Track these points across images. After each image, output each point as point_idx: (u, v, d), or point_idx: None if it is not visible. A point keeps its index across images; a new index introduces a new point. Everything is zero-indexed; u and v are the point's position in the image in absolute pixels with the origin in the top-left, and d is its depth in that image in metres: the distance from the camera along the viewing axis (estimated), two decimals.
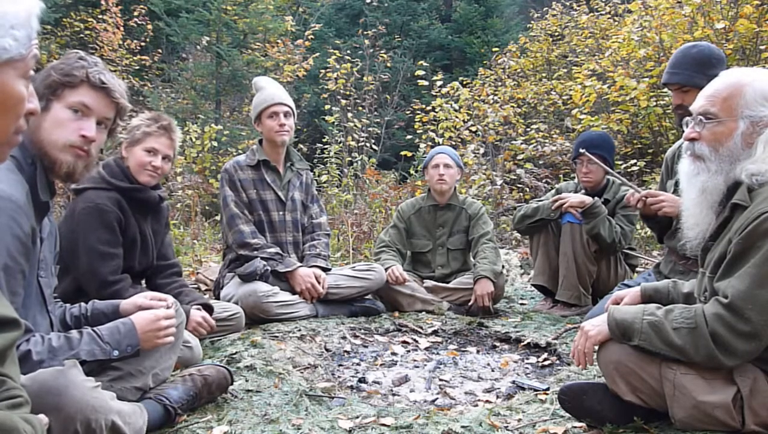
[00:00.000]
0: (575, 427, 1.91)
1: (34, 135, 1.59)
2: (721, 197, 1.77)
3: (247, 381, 2.33)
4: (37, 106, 1.05)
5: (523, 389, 2.44)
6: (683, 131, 2.89)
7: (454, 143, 7.17)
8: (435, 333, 3.29)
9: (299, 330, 3.03)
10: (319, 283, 3.32)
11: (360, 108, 8.73)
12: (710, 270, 1.76)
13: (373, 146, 8.48)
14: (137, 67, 10.05)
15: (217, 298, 3.35)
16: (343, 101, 8.58)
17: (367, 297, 3.54)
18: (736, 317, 1.62)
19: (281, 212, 3.47)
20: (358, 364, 2.82)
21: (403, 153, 8.33)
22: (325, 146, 8.14)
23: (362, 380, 2.57)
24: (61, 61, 1.70)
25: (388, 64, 9.88)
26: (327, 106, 8.50)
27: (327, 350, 2.94)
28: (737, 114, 1.72)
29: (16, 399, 1.15)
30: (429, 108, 7.75)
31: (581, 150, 3.51)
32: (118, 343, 1.71)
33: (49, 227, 1.67)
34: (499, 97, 7.56)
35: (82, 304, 1.93)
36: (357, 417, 2.02)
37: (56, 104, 1.63)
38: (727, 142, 1.73)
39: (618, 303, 2.07)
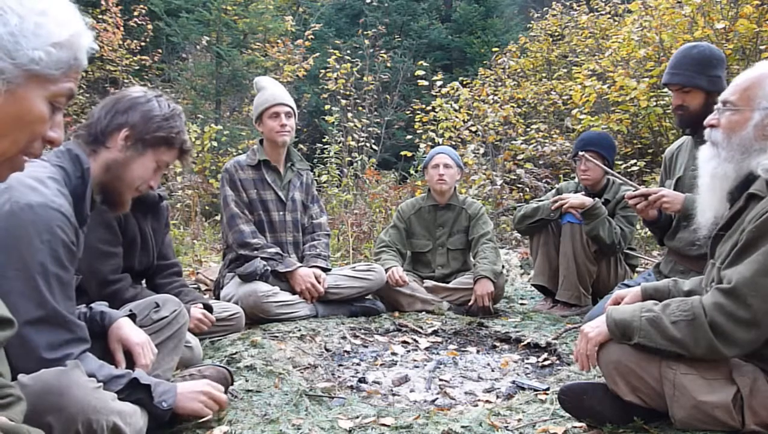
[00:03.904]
0: (575, 427, 1.91)
1: (118, 168, 1.74)
2: (732, 186, 1.77)
3: (247, 381, 2.33)
4: (60, 137, 1.04)
5: (523, 389, 2.44)
6: (683, 132, 2.92)
7: (454, 143, 7.17)
8: (435, 333, 3.29)
9: (299, 330, 3.03)
10: (319, 283, 3.33)
11: (360, 108, 8.73)
12: (721, 261, 1.76)
13: (373, 146, 8.48)
14: (137, 67, 10.04)
15: (217, 298, 3.35)
16: (343, 101, 8.58)
17: (367, 297, 3.54)
18: (737, 304, 1.62)
19: (281, 212, 3.47)
20: (358, 364, 2.82)
21: (403, 153, 8.33)
22: (325, 146, 8.14)
23: (362, 380, 2.57)
24: (169, 114, 1.84)
25: (388, 64, 9.87)
26: (327, 107, 8.49)
27: (327, 350, 2.94)
28: (754, 105, 1.73)
29: (7, 398, 1.15)
30: (429, 108, 7.75)
31: (580, 153, 3.52)
32: (159, 394, 1.70)
33: (81, 238, 1.69)
34: (499, 97, 7.56)
35: (81, 309, 1.92)
36: (357, 417, 2.02)
37: (150, 154, 1.79)
38: (740, 131, 1.74)
39: (618, 303, 2.08)
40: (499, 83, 8.26)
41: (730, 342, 1.64)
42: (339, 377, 2.64)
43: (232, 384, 2.17)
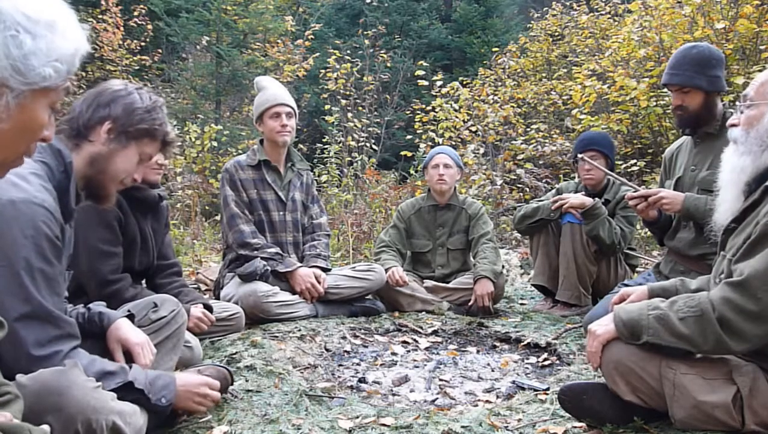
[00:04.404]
0: (575, 427, 1.91)
1: (102, 161, 1.71)
2: (750, 178, 1.77)
3: (247, 381, 2.33)
4: (52, 135, 1.12)
5: (523, 389, 2.44)
6: (683, 132, 2.92)
7: (454, 143, 7.17)
8: (435, 333, 3.29)
9: (299, 330, 3.03)
10: (319, 283, 3.33)
11: (360, 108, 8.73)
12: (732, 253, 1.75)
13: (373, 146, 8.48)
14: (137, 67, 10.04)
15: (217, 298, 3.35)
16: (343, 101, 8.58)
17: (367, 297, 3.54)
18: (746, 297, 1.61)
19: (281, 212, 3.47)
20: (358, 364, 2.82)
21: (403, 153, 8.33)
22: (325, 146, 8.14)
23: (362, 380, 2.57)
24: (151, 106, 1.80)
25: (388, 64, 9.87)
26: (327, 107, 8.49)
27: (327, 350, 2.94)
28: None
29: (6, 397, 1.16)
30: (429, 108, 7.75)
31: (579, 156, 3.53)
32: (157, 390, 1.70)
33: (68, 233, 1.68)
34: (499, 97, 7.56)
35: (80, 309, 1.92)
36: (357, 417, 2.02)
37: (134, 146, 1.77)
38: (758, 125, 1.76)
39: (623, 300, 2.07)
40: (499, 83, 8.26)
41: (738, 337, 1.63)
42: (339, 377, 2.64)
43: (232, 384, 2.17)
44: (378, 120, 9.31)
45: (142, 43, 10.06)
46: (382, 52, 9.65)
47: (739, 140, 1.80)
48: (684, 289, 2.00)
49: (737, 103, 1.87)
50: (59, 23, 1.05)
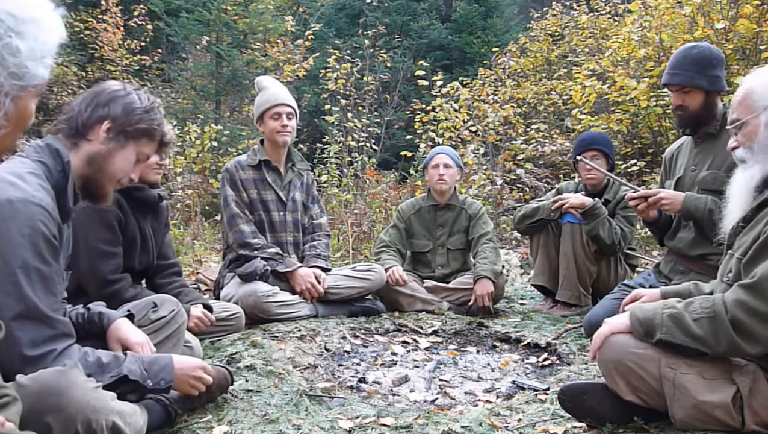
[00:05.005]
0: (575, 427, 1.91)
1: (100, 160, 1.71)
2: (759, 182, 1.79)
3: (247, 381, 2.33)
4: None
5: (523, 389, 2.44)
6: (683, 132, 2.92)
7: (454, 143, 7.16)
8: (435, 333, 3.29)
9: (299, 330, 3.03)
10: (319, 283, 3.33)
11: (360, 108, 8.73)
12: (741, 252, 1.76)
13: (373, 146, 8.48)
14: (137, 67, 10.05)
15: (217, 298, 3.35)
16: (343, 101, 8.57)
17: (367, 297, 3.54)
18: (759, 299, 1.61)
19: (282, 213, 3.47)
20: (358, 364, 2.82)
21: (403, 153, 8.32)
22: (325, 146, 8.14)
23: (362, 380, 2.57)
24: (150, 106, 1.80)
25: (388, 64, 9.87)
26: (327, 107, 8.49)
27: (327, 350, 2.94)
28: (756, 109, 1.78)
29: (4, 399, 1.16)
30: (429, 108, 7.75)
31: (578, 157, 3.53)
32: (155, 374, 1.71)
33: (66, 233, 1.68)
34: (499, 97, 7.56)
35: (79, 309, 1.92)
36: (357, 417, 2.02)
37: (132, 146, 1.77)
38: (757, 137, 1.78)
39: (635, 300, 2.08)
40: (499, 83, 8.26)
41: (752, 339, 1.63)
42: (339, 377, 2.64)
43: (232, 384, 2.17)
44: (378, 120, 9.30)
45: (142, 43, 10.07)
46: (382, 52, 9.64)
47: (745, 157, 1.82)
48: (698, 292, 2.01)
49: (727, 128, 1.89)
50: (43, 18, 1.09)
